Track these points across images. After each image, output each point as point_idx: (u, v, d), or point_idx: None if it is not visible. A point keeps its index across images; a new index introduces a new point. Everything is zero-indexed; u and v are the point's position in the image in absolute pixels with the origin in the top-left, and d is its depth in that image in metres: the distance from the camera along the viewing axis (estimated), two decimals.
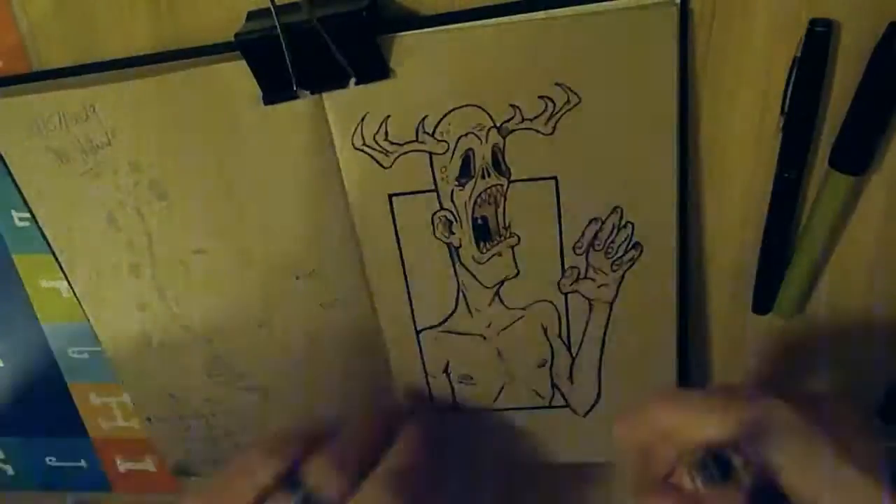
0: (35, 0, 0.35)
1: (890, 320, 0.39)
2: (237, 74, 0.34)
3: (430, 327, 0.42)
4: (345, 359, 0.43)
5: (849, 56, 0.33)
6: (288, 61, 0.33)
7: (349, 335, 0.42)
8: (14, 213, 0.42)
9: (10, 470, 0.55)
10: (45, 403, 0.50)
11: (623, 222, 0.37)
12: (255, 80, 0.34)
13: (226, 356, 0.43)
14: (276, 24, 0.32)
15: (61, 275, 0.42)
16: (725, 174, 0.36)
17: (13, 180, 0.39)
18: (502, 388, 0.43)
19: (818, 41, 0.32)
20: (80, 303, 0.43)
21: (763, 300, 0.39)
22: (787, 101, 0.34)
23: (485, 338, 0.41)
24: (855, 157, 0.34)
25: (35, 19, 0.36)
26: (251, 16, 0.34)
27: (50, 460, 0.54)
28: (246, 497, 0.35)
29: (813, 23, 0.32)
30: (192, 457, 0.49)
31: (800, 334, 0.41)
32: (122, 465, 0.53)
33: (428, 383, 0.44)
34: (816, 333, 0.41)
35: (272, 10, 0.31)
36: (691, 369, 0.42)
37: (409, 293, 0.40)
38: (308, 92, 0.35)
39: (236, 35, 0.33)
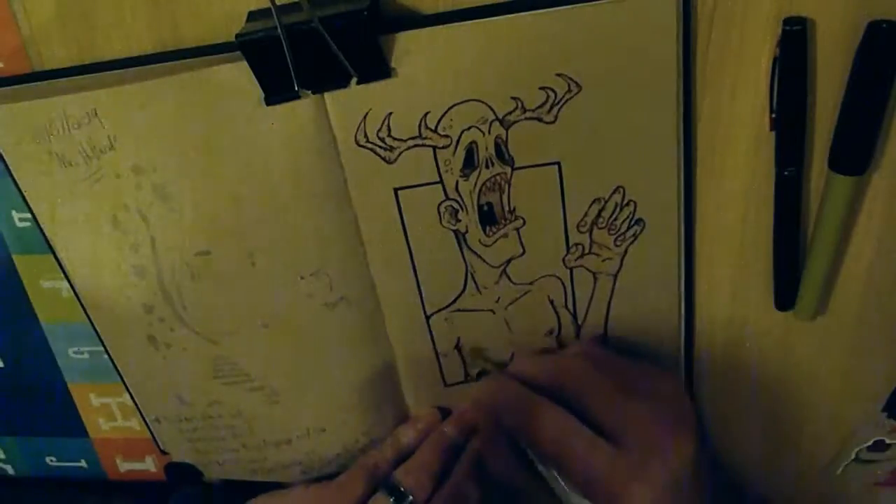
0: (36, 1, 0.37)
1: (893, 317, 0.42)
2: (238, 75, 0.36)
3: (440, 310, 0.44)
4: (350, 357, 0.46)
5: (832, 52, 0.35)
6: (289, 61, 0.35)
7: (354, 334, 0.45)
8: (14, 214, 0.44)
9: (10, 470, 0.57)
10: (45, 403, 0.52)
11: (625, 201, 0.40)
12: (256, 81, 0.36)
13: (231, 358, 0.46)
14: (278, 24, 0.33)
15: (61, 275, 0.44)
16: (726, 161, 0.39)
17: (14, 181, 0.41)
18: (512, 356, 0.46)
19: (794, 40, 0.34)
20: (82, 304, 0.45)
21: (783, 297, 0.42)
22: (774, 100, 0.36)
23: (494, 312, 0.44)
24: (853, 158, 0.36)
25: (36, 21, 0.37)
26: (252, 16, 0.36)
27: (50, 460, 0.55)
28: (346, 500, 0.45)
29: (787, 22, 0.34)
30: (198, 458, 0.51)
31: (804, 332, 0.44)
32: (122, 465, 0.55)
33: (439, 363, 0.47)
34: (820, 331, 0.43)
35: (273, 10, 0.33)
36: (694, 331, 0.45)
37: (417, 281, 0.43)
38: (310, 92, 0.37)
39: (237, 35, 0.35)
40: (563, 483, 0.41)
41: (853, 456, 0.48)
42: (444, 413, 0.49)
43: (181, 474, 0.53)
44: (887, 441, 0.47)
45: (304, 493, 0.47)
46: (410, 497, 0.44)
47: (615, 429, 0.39)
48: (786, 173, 0.38)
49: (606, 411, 0.40)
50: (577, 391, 0.41)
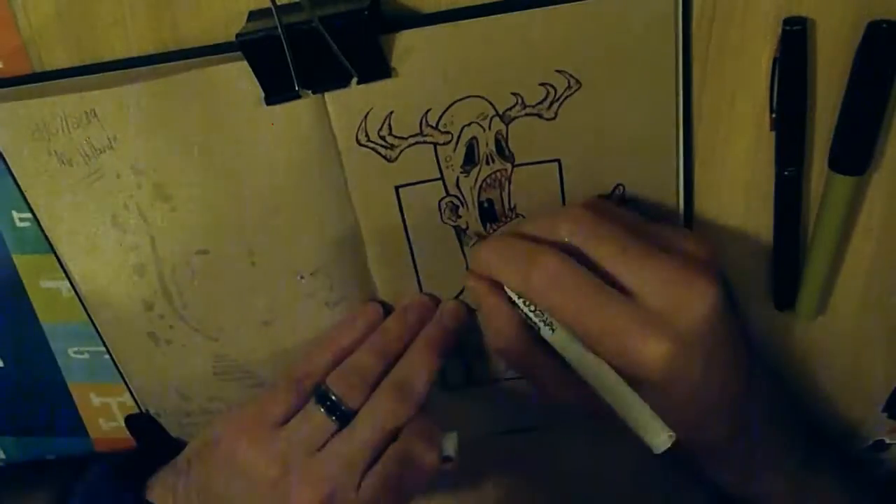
0: (36, 1, 0.37)
1: (893, 317, 0.42)
2: (239, 75, 0.36)
3: None
4: None
5: (833, 52, 0.35)
6: (290, 61, 0.35)
7: None
8: (14, 214, 0.44)
9: None
10: (45, 403, 0.52)
11: (625, 199, 0.40)
12: (256, 81, 0.36)
13: (231, 355, 0.46)
14: (278, 24, 0.34)
15: (61, 275, 0.44)
16: (726, 161, 0.39)
17: (14, 181, 0.41)
18: None
19: (794, 40, 0.34)
20: (83, 303, 0.45)
21: (783, 296, 0.42)
22: (774, 100, 0.36)
23: None
24: (853, 158, 0.37)
25: (36, 21, 0.37)
26: (252, 16, 0.36)
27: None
28: (275, 415, 0.40)
29: (787, 22, 0.34)
30: None
31: (804, 332, 0.44)
32: None
33: None
34: (820, 331, 0.43)
35: (273, 10, 0.33)
36: None
37: (418, 279, 0.43)
38: (310, 92, 0.37)
39: (237, 35, 0.35)
40: (568, 337, 0.37)
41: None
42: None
43: (143, 428, 0.51)
44: (887, 441, 0.47)
45: (230, 416, 0.42)
46: (343, 406, 0.39)
47: (629, 280, 0.35)
48: (786, 173, 0.38)
49: (618, 262, 0.35)
50: (585, 241, 0.36)
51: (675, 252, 0.36)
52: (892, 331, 0.43)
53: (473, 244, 0.42)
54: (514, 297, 0.38)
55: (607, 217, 0.37)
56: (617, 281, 0.35)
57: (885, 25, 0.33)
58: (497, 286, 0.39)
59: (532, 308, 0.38)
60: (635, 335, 0.34)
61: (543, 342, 0.38)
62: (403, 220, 0.41)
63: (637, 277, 0.35)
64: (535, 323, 0.38)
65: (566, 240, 0.36)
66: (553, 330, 0.37)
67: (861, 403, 0.46)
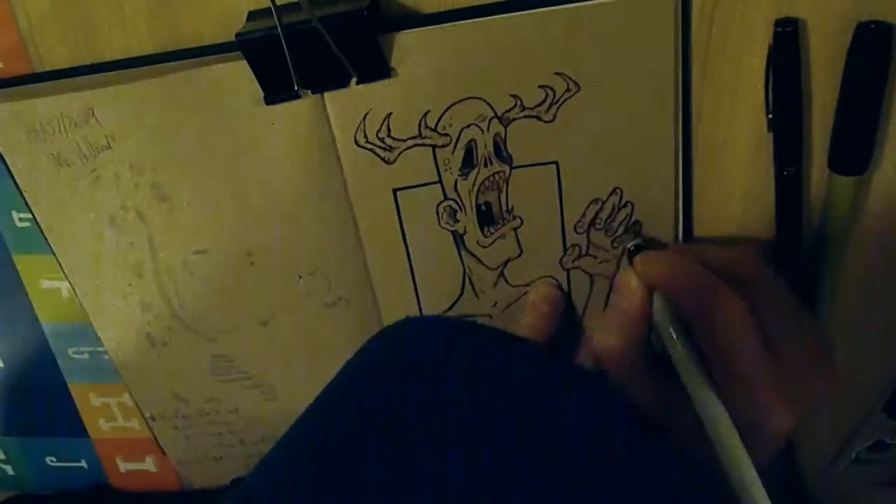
0: (36, 1, 0.37)
1: (893, 317, 0.42)
2: (238, 75, 0.36)
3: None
4: (348, 357, 0.46)
5: (829, 52, 0.35)
6: (289, 61, 0.35)
7: (352, 334, 0.45)
8: (14, 214, 0.44)
9: (10, 470, 0.57)
10: (45, 403, 0.52)
11: (623, 202, 0.40)
12: (256, 81, 0.36)
13: (229, 355, 0.46)
14: (277, 23, 0.34)
15: (61, 275, 0.44)
16: (726, 162, 0.39)
17: (14, 181, 0.41)
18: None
19: (786, 41, 0.34)
20: (81, 303, 0.45)
21: None
22: (770, 101, 0.36)
23: (491, 317, 0.44)
24: (851, 158, 0.36)
25: (35, 20, 0.37)
26: (252, 16, 0.36)
27: (50, 460, 0.55)
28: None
29: (778, 23, 0.34)
30: (196, 455, 0.52)
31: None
32: (122, 465, 0.55)
33: None
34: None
35: (273, 9, 0.33)
36: None
37: (415, 285, 0.43)
38: (309, 91, 0.37)
39: (237, 35, 0.35)
40: (703, 378, 0.35)
41: (853, 456, 0.48)
42: None
43: None
44: (887, 441, 0.47)
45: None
46: None
47: (776, 337, 0.34)
48: (785, 173, 0.38)
49: (773, 316, 0.35)
50: (751, 283, 0.35)
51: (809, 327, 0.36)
52: (892, 330, 0.42)
53: (632, 244, 0.41)
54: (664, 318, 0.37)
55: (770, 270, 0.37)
56: (768, 334, 0.35)
57: (873, 26, 0.33)
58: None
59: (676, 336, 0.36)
60: (770, 396, 0.34)
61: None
62: (401, 224, 0.41)
63: (786, 341, 0.35)
64: (676, 346, 0.36)
65: (738, 277, 0.36)
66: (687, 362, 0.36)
67: (861, 403, 0.46)
